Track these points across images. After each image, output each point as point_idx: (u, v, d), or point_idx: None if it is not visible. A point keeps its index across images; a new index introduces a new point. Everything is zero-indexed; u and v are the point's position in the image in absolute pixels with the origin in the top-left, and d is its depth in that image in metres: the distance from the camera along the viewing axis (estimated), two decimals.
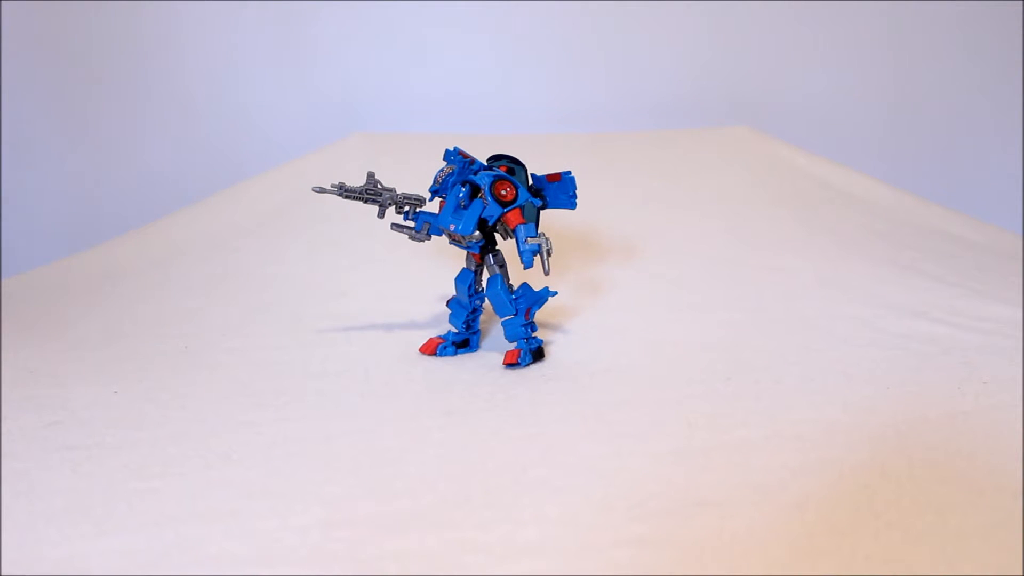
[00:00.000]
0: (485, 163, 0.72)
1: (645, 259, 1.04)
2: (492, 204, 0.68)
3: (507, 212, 0.68)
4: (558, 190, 0.73)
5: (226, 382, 0.68)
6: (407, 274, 0.99)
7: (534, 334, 0.72)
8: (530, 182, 0.73)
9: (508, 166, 0.72)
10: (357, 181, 0.72)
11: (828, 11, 1.47)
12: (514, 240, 0.69)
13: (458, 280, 0.74)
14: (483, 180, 0.68)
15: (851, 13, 1.47)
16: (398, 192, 0.71)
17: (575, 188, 0.73)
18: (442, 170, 0.70)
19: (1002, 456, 0.51)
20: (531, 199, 0.70)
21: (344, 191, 0.69)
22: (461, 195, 0.69)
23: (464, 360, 0.73)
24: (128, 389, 0.66)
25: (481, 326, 0.78)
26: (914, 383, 0.65)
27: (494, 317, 0.81)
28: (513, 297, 0.70)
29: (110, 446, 0.55)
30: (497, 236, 0.72)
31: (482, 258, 0.72)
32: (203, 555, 0.41)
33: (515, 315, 0.70)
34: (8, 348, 0.78)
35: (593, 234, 1.08)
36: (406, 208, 0.71)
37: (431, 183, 0.71)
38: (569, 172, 0.72)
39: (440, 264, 0.97)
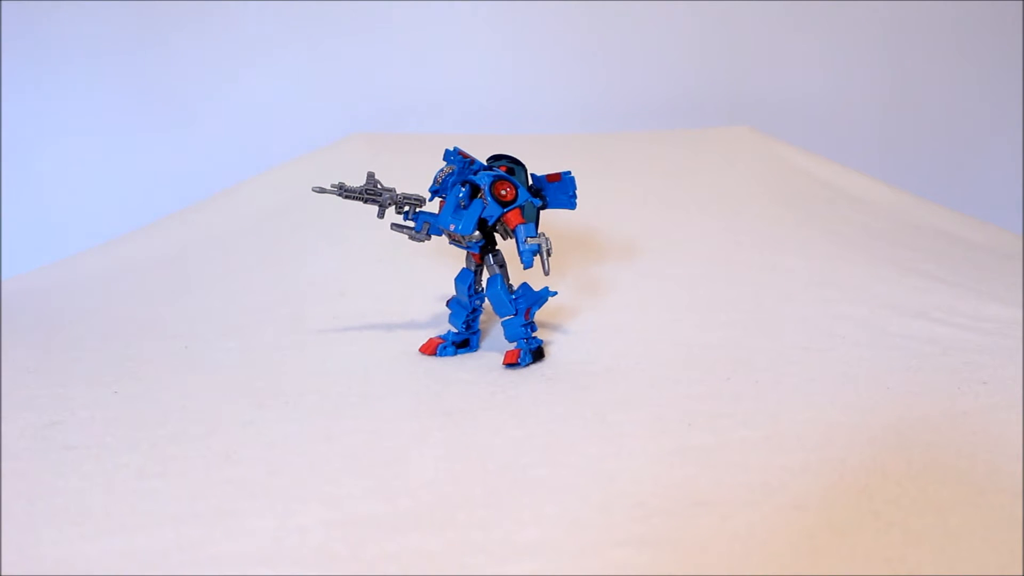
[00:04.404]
0: (485, 163, 0.72)
1: (645, 259, 1.04)
2: (492, 204, 0.68)
3: (507, 212, 0.68)
4: (558, 190, 0.73)
5: (226, 382, 0.68)
6: (407, 274, 0.99)
7: (534, 334, 0.72)
8: (530, 182, 0.73)
9: (508, 166, 0.72)
10: (357, 181, 0.72)
11: (828, 11, 1.47)
12: (514, 240, 0.69)
13: (458, 280, 0.74)
14: (483, 180, 0.68)
15: (851, 13, 1.47)
16: (398, 192, 0.71)
17: (575, 188, 0.73)
18: (442, 170, 0.70)
19: (1002, 456, 0.51)
20: (531, 199, 0.70)
21: (344, 191, 0.69)
22: (461, 195, 0.69)
23: (464, 360, 0.73)
24: (128, 389, 0.66)
25: (481, 326, 0.78)
26: (914, 383, 0.65)
27: (494, 317, 0.81)
28: (513, 297, 0.70)
29: (110, 446, 0.55)
30: (497, 236, 0.72)
31: (482, 258, 0.72)
32: (203, 555, 0.41)
33: (515, 315, 0.70)
34: (8, 348, 0.78)
35: (593, 234, 1.08)
36: (406, 208, 0.71)
37: (431, 183, 0.71)
38: (569, 172, 0.72)
39: (440, 264, 0.97)
